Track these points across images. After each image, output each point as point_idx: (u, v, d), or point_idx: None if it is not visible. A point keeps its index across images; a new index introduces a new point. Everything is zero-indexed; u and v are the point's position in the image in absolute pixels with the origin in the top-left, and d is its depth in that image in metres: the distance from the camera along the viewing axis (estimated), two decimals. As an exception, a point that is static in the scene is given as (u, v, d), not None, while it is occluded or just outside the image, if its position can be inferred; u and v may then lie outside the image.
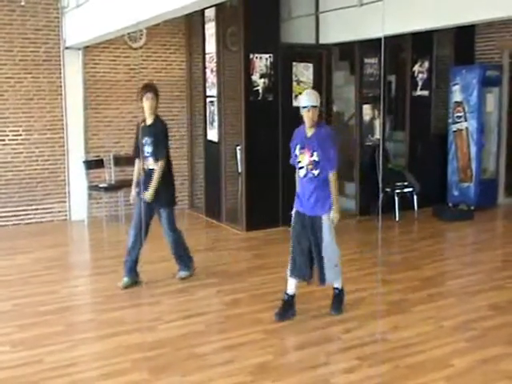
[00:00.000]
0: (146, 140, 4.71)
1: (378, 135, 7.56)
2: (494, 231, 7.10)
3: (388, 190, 7.21)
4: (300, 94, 6.84)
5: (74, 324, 4.19)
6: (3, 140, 6.97)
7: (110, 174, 7.42)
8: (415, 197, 7.38)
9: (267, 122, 6.71)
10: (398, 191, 7.25)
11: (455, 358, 3.55)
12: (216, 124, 7.19)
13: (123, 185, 7.34)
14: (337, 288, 4.26)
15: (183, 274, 4.98)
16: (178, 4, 4.33)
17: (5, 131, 6.97)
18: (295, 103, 6.92)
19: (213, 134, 7.31)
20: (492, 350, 3.64)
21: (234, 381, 3.32)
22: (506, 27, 7.57)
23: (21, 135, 7.06)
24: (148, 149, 4.72)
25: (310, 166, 3.97)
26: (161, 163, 4.70)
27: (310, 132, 4.01)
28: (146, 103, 4.67)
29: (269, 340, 3.84)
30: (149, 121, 4.76)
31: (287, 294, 4.15)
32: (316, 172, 3.97)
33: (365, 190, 7.44)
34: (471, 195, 7.68)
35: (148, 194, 4.67)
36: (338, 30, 6.75)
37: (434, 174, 7.88)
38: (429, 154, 7.81)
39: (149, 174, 4.73)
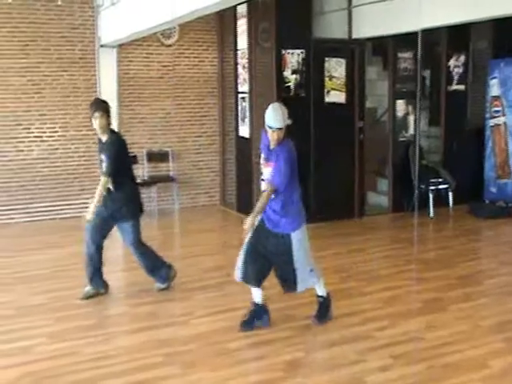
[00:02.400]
0: (102, 157, 4.49)
1: (411, 131, 7.42)
2: (533, 229, 6.88)
3: (422, 186, 7.07)
4: (332, 89, 6.88)
5: (107, 317, 4.26)
6: (40, 137, 7.13)
7: (143, 170, 7.50)
8: (450, 193, 7.22)
9: (299, 118, 6.60)
10: (432, 188, 7.11)
11: (492, 358, 3.46)
12: (247, 120, 7.19)
13: (156, 180, 7.44)
14: (321, 296, 4.01)
15: (159, 285, 4.68)
16: (211, 0, 4.33)
17: (42, 128, 7.13)
18: (327, 99, 6.87)
19: (244, 130, 7.30)
20: (531, 352, 3.53)
21: (264, 377, 3.31)
22: (547, 18, 7.31)
23: (57, 132, 7.21)
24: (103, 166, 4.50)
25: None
26: (103, 179, 4.39)
27: (272, 145, 3.77)
28: (95, 123, 4.45)
29: (300, 337, 3.82)
30: (103, 138, 4.52)
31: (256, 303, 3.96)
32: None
33: (398, 187, 7.32)
34: (509, 192, 7.46)
35: (88, 213, 4.43)
36: (371, 24, 6.64)
37: (470, 170, 7.68)
38: (465, 149, 7.61)
39: (107, 190, 4.46)
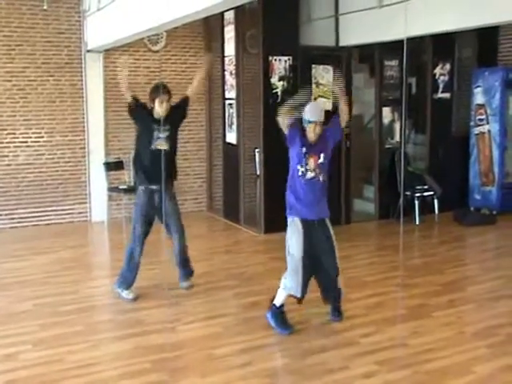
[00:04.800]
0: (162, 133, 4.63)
1: (397, 138, 7.50)
2: (516, 236, 6.97)
3: (408, 193, 7.14)
4: (319, 96, 6.93)
5: (94, 324, 4.22)
6: (26, 142, 7.08)
7: (129, 176, 7.47)
8: (436, 200, 7.30)
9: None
10: (418, 195, 7.18)
11: (477, 364, 3.50)
12: (235, 127, 7.21)
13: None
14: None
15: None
16: (198, 7, 4.35)
17: (28, 133, 7.08)
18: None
19: (231, 137, 7.32)
20: (515, 357, 3.58)
21: (252, 383, 3.31)
22: (530, 28, 7.46)
23: (43, 137, 7.16)
24: None
25: (317, 170, 3.92)
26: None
27: (314, 139, 3.95)
28: (164, 105, 4.55)
29: (287, 343, 3.83)
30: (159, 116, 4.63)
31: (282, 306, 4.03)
32: (321, 177, 3.94)
33: (384, 194, 7.38)
34: (493, 199, 7.56)
35: None
36: (358, 32, 6.71)
37: (455, 177, 7.78)
38: (450, 157, 7.71)
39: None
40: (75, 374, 3.40)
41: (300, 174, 3.91)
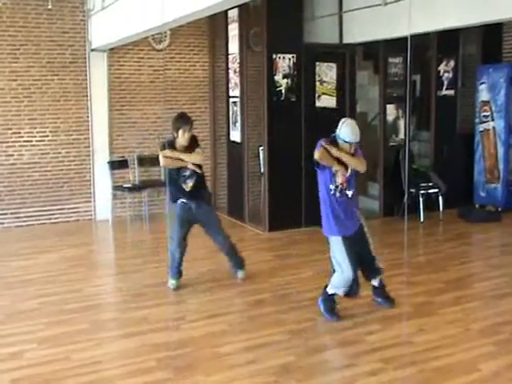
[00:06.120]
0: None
1: (402, 135, 7.48)
2: (521, 233, 6.94)
3: (412, 190, 7.12)
4: (323, 94, 6.92)
5: (99, 322, 4.23)
6: (30, 141, 7.10)
7: (134, 175, 7.49)
8: (440, 198, 7.28)
9: (290, 122, 6.70)
10: (422, 192, 7.16)
11: (482, 362, 3.49)
12: (239, 124, 7.20)
13: (147, 185, 7.42)
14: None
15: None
16: (202, 5, 4.35)
17: (32, 132, 7.10)
18: (317, 104, 6.90)
19: (235, 135, 7.32)
20: (521, 355, 3.57)
21: (257, 381, 3.32)
22: (534, 25, 7.42)
23: (48, 136, 7.18)
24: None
25: (345, 185, 4.04)
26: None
27: None
28: (186, 135, 4.72)
29: (292, 341, 3.83)
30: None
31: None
32: (349, 192, 4.06)
33: (389, 191, 7.36)
34: (498, 196, 7.54)
35: None
36: (361, 29, 6.69)
37: (459, 174, 7.76)
38: (455, 154, 7.69)
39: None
40: (80, 373, 3.41)
41: (333, 192, 4.03)
